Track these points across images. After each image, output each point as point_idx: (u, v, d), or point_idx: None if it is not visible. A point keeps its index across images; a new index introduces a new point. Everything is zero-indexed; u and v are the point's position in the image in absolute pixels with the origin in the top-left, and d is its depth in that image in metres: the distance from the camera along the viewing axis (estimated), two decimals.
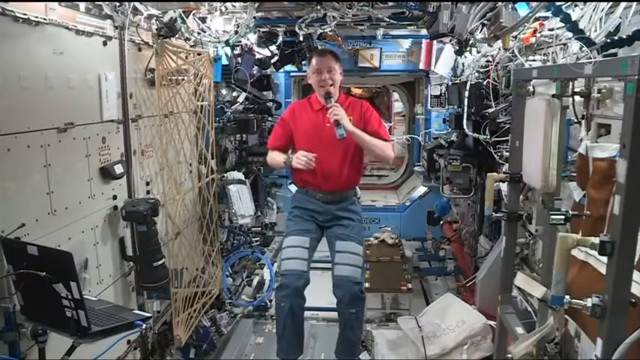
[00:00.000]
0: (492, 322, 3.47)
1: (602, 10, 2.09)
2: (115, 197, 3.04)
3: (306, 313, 4.80)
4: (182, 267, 3.86)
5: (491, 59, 3.91)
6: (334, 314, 4.84)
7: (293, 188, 5.29)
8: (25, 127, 2.23)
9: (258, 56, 5.02)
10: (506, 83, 3.57)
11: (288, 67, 5.87)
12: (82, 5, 2.71)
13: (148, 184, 3.51)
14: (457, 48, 4.07)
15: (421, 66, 6.38)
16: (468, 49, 4.23)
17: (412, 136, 7.13)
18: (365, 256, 5.16)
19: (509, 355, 2.40)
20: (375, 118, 3.35)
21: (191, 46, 4.02)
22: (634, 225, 1.47)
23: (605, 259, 1.54)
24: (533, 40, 2.91)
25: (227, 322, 4.48)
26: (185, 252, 3.97)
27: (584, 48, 2.10)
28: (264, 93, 5.85)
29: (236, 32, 3.88)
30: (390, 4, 3.88)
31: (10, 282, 2.08)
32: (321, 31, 4.54)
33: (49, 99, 2.41)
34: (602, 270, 1.76)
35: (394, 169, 9.28)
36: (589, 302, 1.56)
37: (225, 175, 4.83)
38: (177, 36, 3.56)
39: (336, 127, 3.05)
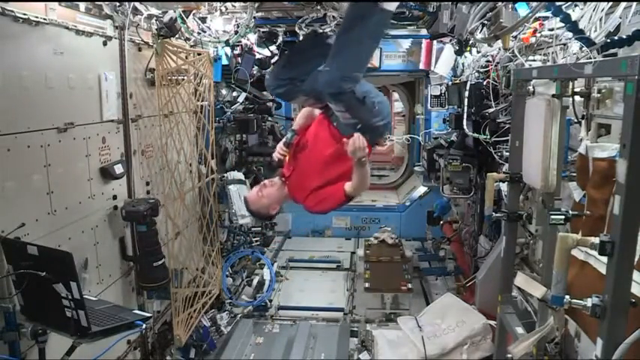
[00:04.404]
0: (492, 322, 3.47)
1: (602, 10, 2.09)
2: (115, 197, 3.04)
3: (307, 313, 4.84)
4: (182, 267, 3.87)
5: (491, 59, 3.90)
6: (334, 314, 4.87)
7: None
8: (25, 127, 2.23)
9: (258, 56, 5.01)
10: (506, 83, 3.57)
11: None
12: (82, 5, 2.71)
13: (148, 184, 3.51)
14: (457, 48, 4.05)
15: (421, 66, 6.37)
16: (468, 49, 4.22)
17: (412, 136, 7.14)
18: (365, 255, 5.15)
19: (509, 355, 2.40)
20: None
21: (191, 46, 4.02)
22: (634, 225, 1.47)
23: (605, 259, 1.54)
24: (533, 40, 2.91)
25: (227, 322, 4.48)
26: (185, 252, 3.97)
27: (584, 48, 2.10)
28: (264, 93, 5.83)
29: (236, 32, 3.88)
30: None
31: (10, 282, 2.08)
32: (321, 31, 4.53)
33: (49, 99, 2.41)
34: (602, 270, 1.76)
35: (394, 169, 9.27)
36: (589, 302, 1.57)
37: (225, 175, 4.83)
38: (177, 36, 3.56)
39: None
